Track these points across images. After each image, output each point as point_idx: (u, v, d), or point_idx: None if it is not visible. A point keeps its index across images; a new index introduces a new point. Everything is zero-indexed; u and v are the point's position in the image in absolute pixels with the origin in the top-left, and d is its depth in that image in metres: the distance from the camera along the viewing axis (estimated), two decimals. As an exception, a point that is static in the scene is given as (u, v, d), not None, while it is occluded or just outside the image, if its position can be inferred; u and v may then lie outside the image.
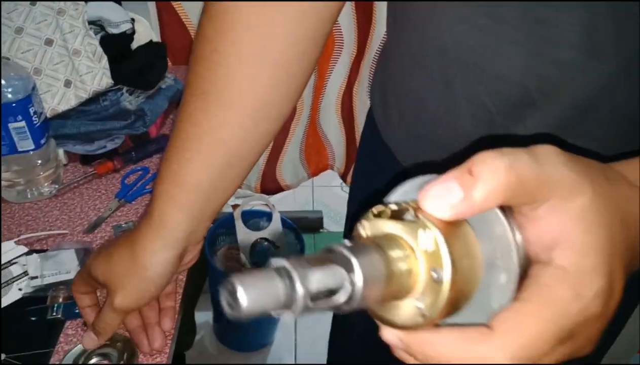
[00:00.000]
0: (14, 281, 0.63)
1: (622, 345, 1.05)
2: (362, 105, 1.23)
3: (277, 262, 0.20)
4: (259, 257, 1.29)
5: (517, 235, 0.24)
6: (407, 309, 0.24)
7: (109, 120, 0.84)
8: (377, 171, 0.62)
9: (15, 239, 0.68)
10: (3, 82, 0.68)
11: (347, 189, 2.19)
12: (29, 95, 0.70)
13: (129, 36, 0.89)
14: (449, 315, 0.25)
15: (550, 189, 0.23)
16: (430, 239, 0.23)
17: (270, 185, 1.38)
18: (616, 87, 0.39)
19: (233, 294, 0.19)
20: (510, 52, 0.40)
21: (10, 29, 0.78)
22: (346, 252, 0.22)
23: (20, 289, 0.62)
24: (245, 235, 1.30)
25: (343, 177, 1.40)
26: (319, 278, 0.20)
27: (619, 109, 0.40)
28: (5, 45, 0.77)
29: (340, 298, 0.21)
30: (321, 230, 1.81)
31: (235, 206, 1.35)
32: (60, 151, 0.81)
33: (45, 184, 0.76)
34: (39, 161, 0.75)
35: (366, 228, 0.25)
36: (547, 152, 0.24)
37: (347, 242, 0.22)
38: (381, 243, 0.23)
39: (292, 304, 0.20)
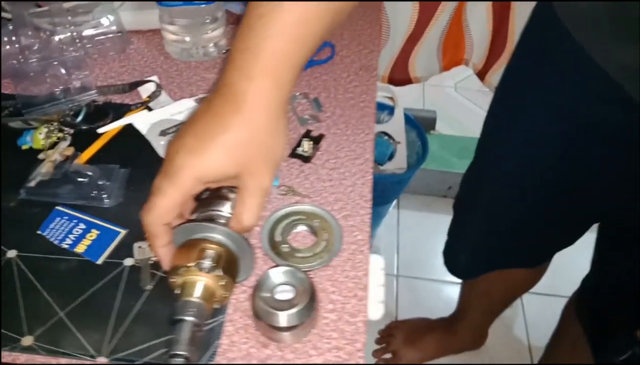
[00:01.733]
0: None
1: None
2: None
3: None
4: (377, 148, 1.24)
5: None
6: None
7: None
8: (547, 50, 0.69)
9: (195, 97, 0.65)
10: None
11: (461, 90, 2.04)
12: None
13: None
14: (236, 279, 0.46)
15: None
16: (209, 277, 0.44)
17: (399, 76, 1.29)
18: None
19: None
20: None
21: None
22: (186, 316, 0.42)
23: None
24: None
25: (479, 74, 1.28)
26: (183, 337, 0.41)
27: None
28: None
29: (198, 333, 0.42)
30: (432, 131, 1.72)
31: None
32: (221, 12, 0.75)
33: (211, 45, 0.72)
34: (208, 18, 0.70)
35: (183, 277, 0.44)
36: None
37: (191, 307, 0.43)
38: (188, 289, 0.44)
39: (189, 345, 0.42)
